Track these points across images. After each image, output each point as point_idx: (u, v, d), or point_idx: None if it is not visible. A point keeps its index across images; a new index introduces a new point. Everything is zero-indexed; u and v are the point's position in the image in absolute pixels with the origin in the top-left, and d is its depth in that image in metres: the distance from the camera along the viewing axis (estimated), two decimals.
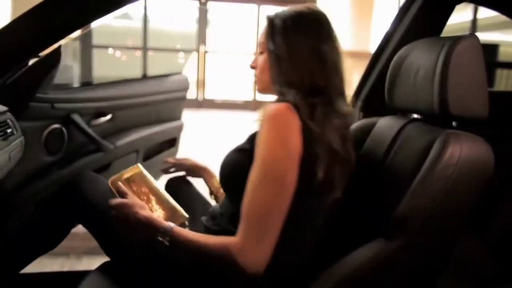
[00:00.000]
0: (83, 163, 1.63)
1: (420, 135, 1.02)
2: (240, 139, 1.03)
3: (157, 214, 1.02)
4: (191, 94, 5.31)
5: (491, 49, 4.87)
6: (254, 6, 8.56)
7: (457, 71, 0.94)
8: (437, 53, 0.96)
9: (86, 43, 7.01)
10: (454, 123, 1.05)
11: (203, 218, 1.12)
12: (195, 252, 0.91)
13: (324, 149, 0.89)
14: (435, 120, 1.03)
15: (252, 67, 1.11)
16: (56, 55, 1.30)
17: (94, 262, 1.33)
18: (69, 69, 1.78)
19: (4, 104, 1.11)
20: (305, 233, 0.98)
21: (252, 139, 0.96)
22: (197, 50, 8.33)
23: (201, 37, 8.43)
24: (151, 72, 2.97)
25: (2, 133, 1.06)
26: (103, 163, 1.73)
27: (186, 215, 1.06)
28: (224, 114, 7.72)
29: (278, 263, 0.89)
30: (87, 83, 2.17)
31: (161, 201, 1.06)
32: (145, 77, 2.09)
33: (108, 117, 1.76)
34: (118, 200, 0.98)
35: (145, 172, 1.11)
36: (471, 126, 1.00)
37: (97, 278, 1.09)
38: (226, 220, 1.01)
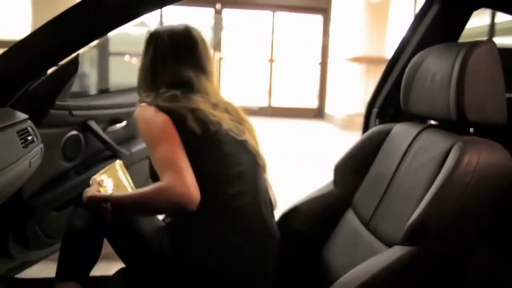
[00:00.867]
0: (99, 169, 1.65)
1: (436, 141, 1.01)
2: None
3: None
4: None
5: (510, 53, 4.79)
6: (269, 13, 8.60)
7: (474, 77, 0.93)
8: (453, 59, 0.95)
9: (103, 51, 7.15)
10: (471, 130, 1.03)
11: None
12: (135, 204, 1.08)
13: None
14: (452, 127, 1.02)
15: None
16: (74, 64, 1.33)
17: (110, 267, 1.35)
18: (86, 77, 1.82)
19: (24, 112, 1.13)
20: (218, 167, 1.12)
21: None
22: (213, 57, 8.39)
23: (216, 44, 8.49)
24: None
25: (23, 141, 1.08)
26: None
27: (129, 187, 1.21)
28: None
29: (209, 192, 1.06)
30: (104, 91, 2.20)
31: (116, 187, 1.21)
32: None
33: (123, 123, 1.78)
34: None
35: (119, 168, 1.25)
36: (489, 133, 0.98)
37: (116, 283, 1.11)
38: None
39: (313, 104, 8.80)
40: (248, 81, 8.88)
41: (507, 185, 0.89)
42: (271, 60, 8.66)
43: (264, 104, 8.56)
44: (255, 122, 1.28)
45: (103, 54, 7.02)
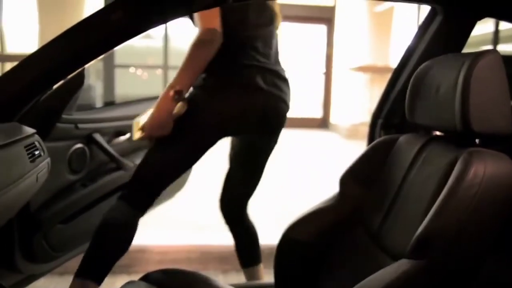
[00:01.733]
0: (104, 181, 1.66)
1: (442, 153, 1.01)
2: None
3: None
4: None
5: None
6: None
7: (479, 88, 0.93)
8: (458, 69, 0.95)
9: (109, 63, 7.21)
10: (477, 141, 1.03)
11: None
12: (191, 69, 1.38)
13: None
14: (457, 138, 1.01)
15: None
16: (80, 77, 1.35)
17: (115, 280, 1.34)
18: (92, 89, 1.84)
19: (31, 126, 1.14)
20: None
21: None
22: None
23: None
24: None
25: (30, 155, 1.09)
26: (124, 181, 1.76)
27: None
28: None
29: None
30: (109, 103, 2.23)
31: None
32: None
33: (128, 135, 1.80)
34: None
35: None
36: (495, 144, 0.98)
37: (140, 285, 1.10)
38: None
39: (318, 114, 8.80)
40: None
41: None
42: None
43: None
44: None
45: (109, 66, 7.09)
